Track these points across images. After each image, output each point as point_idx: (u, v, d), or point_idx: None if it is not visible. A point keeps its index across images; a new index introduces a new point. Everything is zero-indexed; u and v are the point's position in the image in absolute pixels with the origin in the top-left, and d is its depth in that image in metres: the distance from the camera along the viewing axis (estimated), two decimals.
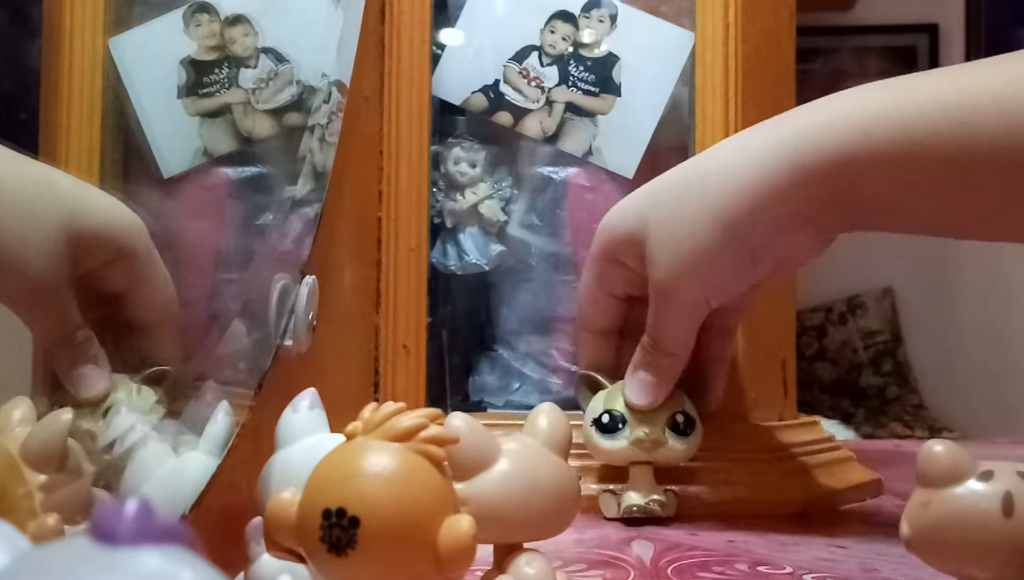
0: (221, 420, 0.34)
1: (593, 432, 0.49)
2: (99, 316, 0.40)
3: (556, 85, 0.59)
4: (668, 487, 0.50)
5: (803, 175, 0.44)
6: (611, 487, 0.50)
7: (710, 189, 0.46)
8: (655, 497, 0.49)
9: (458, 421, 0.30)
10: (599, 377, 0.51)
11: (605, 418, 0.49)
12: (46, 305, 0.38)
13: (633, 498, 0.49)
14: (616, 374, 0.51)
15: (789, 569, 0.40)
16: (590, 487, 0.51)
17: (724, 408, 0.54)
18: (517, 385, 0.60)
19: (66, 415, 0.31)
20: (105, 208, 0.41)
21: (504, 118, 0.60)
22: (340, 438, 0.25)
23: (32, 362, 0.47)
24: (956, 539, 0.27)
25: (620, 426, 0.48)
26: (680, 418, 0.49)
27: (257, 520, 0.30)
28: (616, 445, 0.48)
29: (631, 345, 0.51)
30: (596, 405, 0.50)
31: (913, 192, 0.44)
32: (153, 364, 0.39)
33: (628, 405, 0.49)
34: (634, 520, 0.49)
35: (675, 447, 0.48)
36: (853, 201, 0.44)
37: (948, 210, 0.45)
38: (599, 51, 0.59)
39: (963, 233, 0.48)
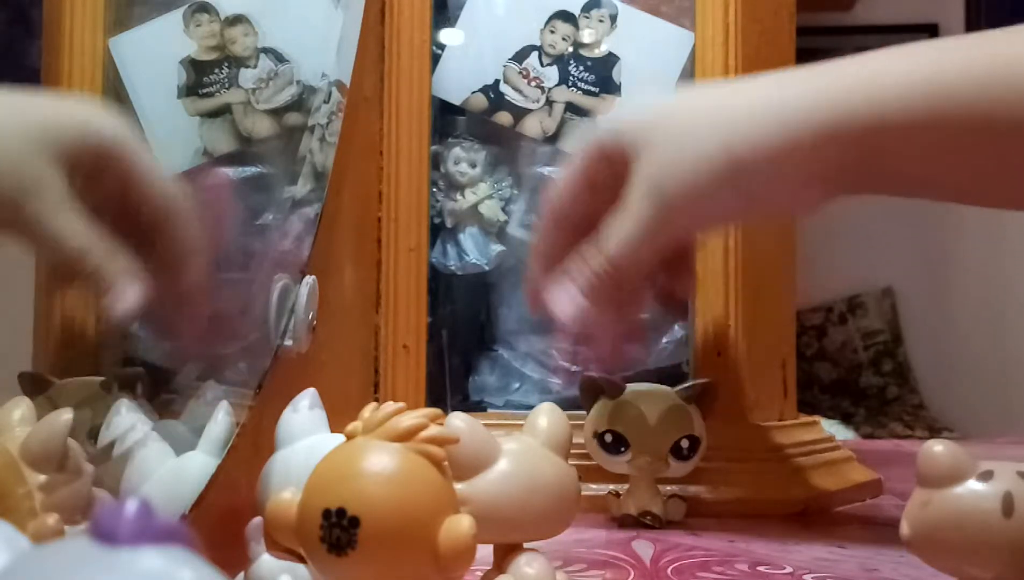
0: (221, 420, 0.34)
1: (595, 445, 0.48)
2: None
3: (556, 85, 0.59)
4: (674, 493, 0.50)
5: (829, 137, 0.41)
6: (614, 488, 0.51)
7: (728, 124, 0.43)
8: (652, 510, 0.49)
9: (458, 421, 0.30)
10: (601, 380, 0.49)
11: (608, 437, 0.47)
12: (35, 202, 0.35)
13: (629, 506, 0.49)
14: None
15: (789, 569, 0.40)
16: (590, 487, 0.51)
17: (724, 408, 0.54)
18: (517, 385, 0.60)
19: (66, 415, 0.31)
20: (75, 111, 0.39)
21: (504, 118, 0.60)
22: (340, 438, 0.25)
23: (32, 362, 0.47)
24: (956, 539, 0.27)
25: (622, 449, 0.47)
26: (684, 443, 0.47)
27: (257, 520, 0.30)
28: (616, 464, 0.48)
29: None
30: (599, 418, 0.48)
31: (942, 159, 0.42)
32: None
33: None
34: (634, 520, 0.49)
35: (677, 468, 0.48)
36: (877, 167, 0.42)
37: (974, 176, 0.43)
38: (599, 51, 0.59)
39: (984, 199, 0.47)
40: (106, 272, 0.36)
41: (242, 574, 0.30)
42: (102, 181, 0.38)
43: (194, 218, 0.40)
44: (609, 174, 0.45)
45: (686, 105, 0.46)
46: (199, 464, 0.33)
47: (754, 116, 0.42)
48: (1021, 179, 0.42)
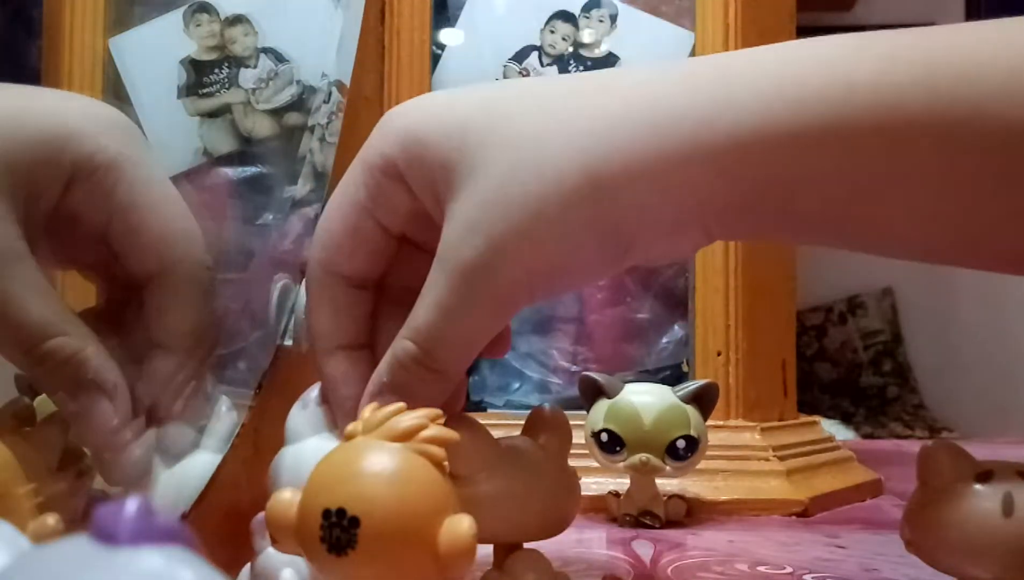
0: (225, 415, 0.33)
1: (592, 445, 0.48)
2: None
3: None
4: (674, 493, 0.50)
5: (733, 153, 0.28)
6: (614, 488, 0.51)
7: (589, 131, 0.29)
8: (652, 510, 0.49)
9: (458, 421, 0.30)
10: (600, 380, 0.49)
11: (604, 436, 0.47)
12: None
13: (629, 506, 0.49)
14: (376, 347, 0.33)
15: (789, 569, 0.40)
16: (591, 487, 0.51)
17: (724, 408, 0.54)
18: (517, 385, 0.60)
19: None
20: (40, 109, 0.30)
21: None
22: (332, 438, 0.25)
23: None
24: (956, 539, 0.27)
25: (618, 448, 0.47)
26: (681, 443, 0.47)
27: (262, 515, 0.29)
28: (614, 463, 0.48)
29: (390, 312, 0.32)
30: (597, 417, 0.48)
31: (883, 190, 0.29)
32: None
33: (620, 426, 0.46)
34: (634, 520, 0.49)
35: (674, 469, 0.47)
36: (791, 199, 0.29)
37: (932, 218, 0.31)
38: (599, 51, 0.59)
39: (944, 253, 0.34)
40: (81, 365, 0.30)
41: (247, 567, 0.30)
42: (80, 209, 0.31)
43: (203, 262, 0.34)
44: (405, 203, 0.31)
45: (527, 100, 0.30)
46: (201, 462, 0.33)
47: (629, 121, 0.29)
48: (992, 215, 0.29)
